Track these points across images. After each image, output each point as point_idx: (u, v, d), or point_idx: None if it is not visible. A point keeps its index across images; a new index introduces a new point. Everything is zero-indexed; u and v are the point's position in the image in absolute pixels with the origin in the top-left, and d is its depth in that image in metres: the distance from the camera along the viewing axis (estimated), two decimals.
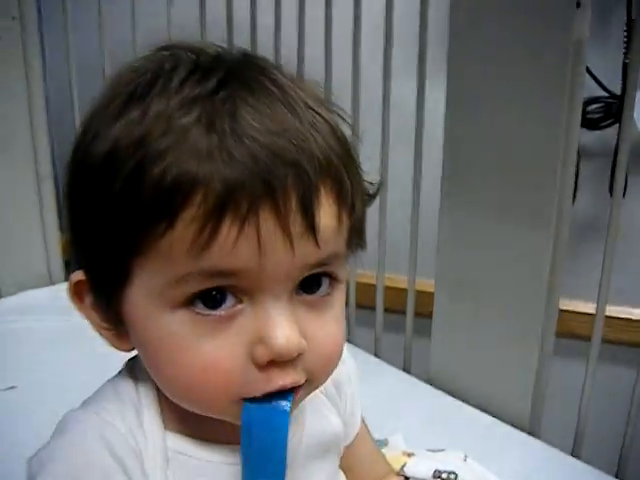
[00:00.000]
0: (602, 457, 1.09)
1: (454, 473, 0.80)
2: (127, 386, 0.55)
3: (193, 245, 0.45)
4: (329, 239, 0.49)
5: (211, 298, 0.47)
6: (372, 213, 1.26)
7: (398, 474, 0.79)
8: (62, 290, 0.57)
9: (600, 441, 1.13)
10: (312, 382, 0.52)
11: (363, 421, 0.70)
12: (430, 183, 1.21)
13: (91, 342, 0.56)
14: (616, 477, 1.09)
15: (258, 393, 0.49)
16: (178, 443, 0.54)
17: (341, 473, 0.66)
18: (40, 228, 1.64)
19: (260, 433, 0.50)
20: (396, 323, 1.36)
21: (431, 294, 1.23)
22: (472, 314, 1.18)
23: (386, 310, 1.38)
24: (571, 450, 1.14)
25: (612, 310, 1.37)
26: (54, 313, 1.36)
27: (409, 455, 0.83)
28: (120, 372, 0.57)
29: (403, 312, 1.33)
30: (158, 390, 0.55)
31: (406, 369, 1.33)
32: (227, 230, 0.45)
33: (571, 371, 1.16)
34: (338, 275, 0.52)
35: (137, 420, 0.53)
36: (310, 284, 0.50)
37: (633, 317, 1.42)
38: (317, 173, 0.47)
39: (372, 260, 1.34)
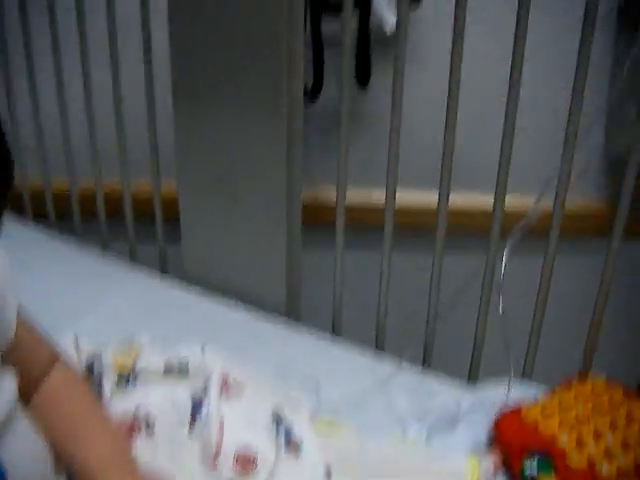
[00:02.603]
0: (360, 335, 1.14)
1: (185, 359, 0.82)
2: None
3: None
4: None
5: None
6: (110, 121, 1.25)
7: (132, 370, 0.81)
8: None
9: (358, 319, 1.18)
10: None
11: (21, 317, 0.69)
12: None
13: None
14: (377, 348, 1.15)
15: None
16: None
17: (7, 376, 0.64)
18: None
19: None
20: (151, 233, 1.32)
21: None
22: (218, 210, 1.19)
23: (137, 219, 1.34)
24: (331, 329, 1.19)
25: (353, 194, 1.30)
26: None
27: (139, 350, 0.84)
28: None
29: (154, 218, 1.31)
30: None
31: (163, 270, 1.32)
32: None
33: (326, 258, 1.18)
34: None
35: None
36: None
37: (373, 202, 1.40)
38: None
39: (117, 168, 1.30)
